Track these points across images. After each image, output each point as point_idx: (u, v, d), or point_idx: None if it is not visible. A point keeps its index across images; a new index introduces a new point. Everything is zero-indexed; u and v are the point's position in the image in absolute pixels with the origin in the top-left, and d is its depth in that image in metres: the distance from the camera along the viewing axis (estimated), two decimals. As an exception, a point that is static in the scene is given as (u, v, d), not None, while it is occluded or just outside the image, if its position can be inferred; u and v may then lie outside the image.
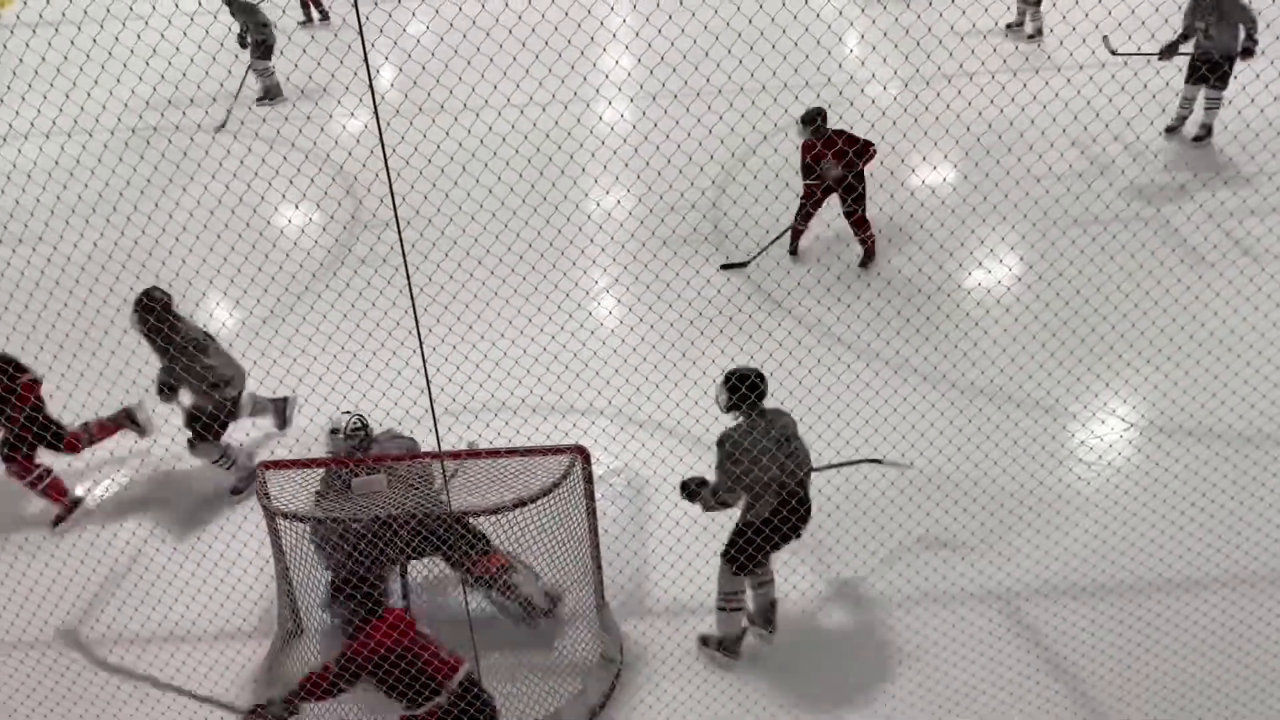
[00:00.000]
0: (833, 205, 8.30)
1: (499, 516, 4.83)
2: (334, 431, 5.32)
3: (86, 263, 8.37)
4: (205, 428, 6.37)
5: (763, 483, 4.94)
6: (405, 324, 7.61)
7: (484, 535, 5.17)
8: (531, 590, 5.36)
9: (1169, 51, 9.06)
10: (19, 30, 13.93)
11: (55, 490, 6.52)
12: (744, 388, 4.94)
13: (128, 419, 6.75)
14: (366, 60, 3.19)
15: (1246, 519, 5.80)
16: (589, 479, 5.08)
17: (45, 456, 6.57)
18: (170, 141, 10.74)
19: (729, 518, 5.31)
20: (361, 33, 3.42)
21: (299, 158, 9.95)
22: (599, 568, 5.36)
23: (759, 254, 8.53)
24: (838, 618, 5.54)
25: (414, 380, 6.78)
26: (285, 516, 4.92)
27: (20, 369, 6.46)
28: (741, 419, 5.00)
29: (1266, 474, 6.12)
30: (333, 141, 11.10)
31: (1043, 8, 11.87)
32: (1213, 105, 9.55)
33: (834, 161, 7.91)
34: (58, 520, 6.56)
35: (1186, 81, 9.54)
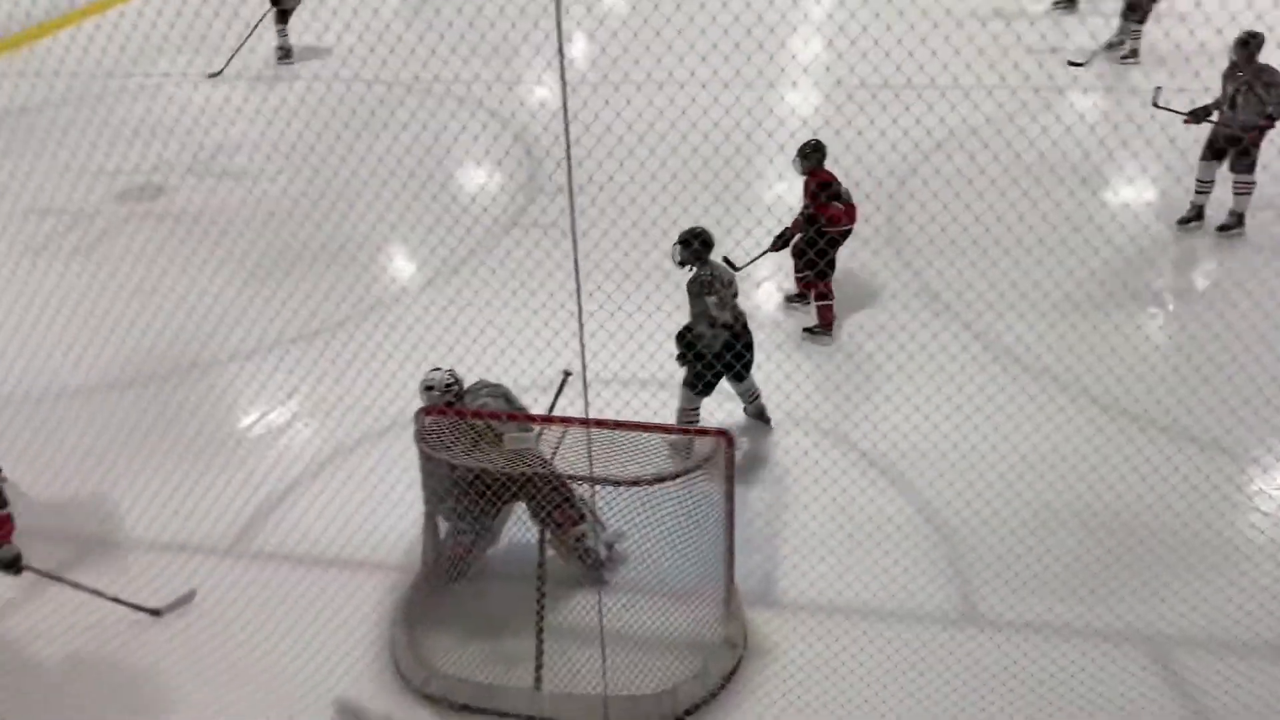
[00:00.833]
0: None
1: (634, 489, 4.87)
2: (428, 388, 5.44)
3: (280, 200, 8.90)
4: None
5: (717, 319, 6.02)
6: (568, 287, 7.78)
7: (570, 490, 5.27)
8: (594, 542, 5.53)
9: (1198, 115, 8.16)
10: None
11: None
12: (697, 242, 6.00)
13: None
14: (560, 28, 3.23)
15: None
16: (731, 464, 5.07)
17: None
18: (363, 97, 11.20)
19: (868, 519, 5.21)
20: (559, 6, 3.47)
21: (485, 117, 10.22)
22: (731, 553, 5.34)
23: (756, 259, 7.77)
24: (970, 637, 5.36)
25: (569, 344, 6.94)
26: (439, 462, 5.08)
27: None
28: (697, 268, 6.05)
29: None
30: (519, 103, 11.39)
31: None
32: (1242, 190, 8.39)
33: (849, 224, 7.44)
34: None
35: (1202, 159, 8.46)
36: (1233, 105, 8.14)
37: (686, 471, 4.88)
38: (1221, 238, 8.34)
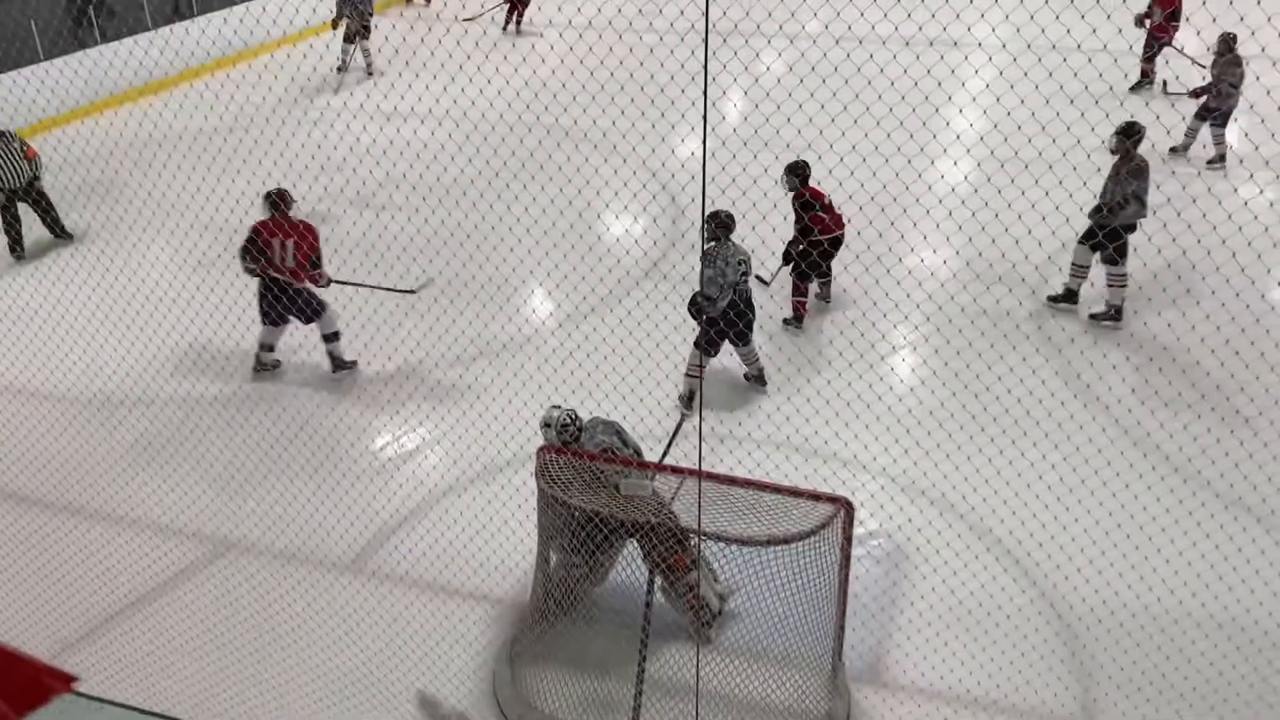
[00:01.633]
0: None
1: (745, 548, 4.78)
2: (546, 425, 5.51)
3: (433, 236, 9.21)
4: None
5: (726, 284, 7.06)
6: (690, 343, 7.76)
7: (685, 535, 5.18)
8: (707, 591, 5.43)
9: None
10: (429, 23, 15.53)
11: None
12: (714, 223, 7.08)
13: None
14: (706, 93, 3.24)
15: None
16: (848, 534, 4.92)
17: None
18: (523, 140, 11.53)
19: (989, 604, 4.95)
20: (706, 66, 3.49)
21: (632, 169, 10.37)
22: (842, 626, 5.17)
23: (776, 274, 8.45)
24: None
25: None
26: (559, 501, 5.10)
27: None
28: (713, 243, 7.09)
29: None
30: (670, 153, 11.53)
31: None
32: (1116, 283, 8.11)
33: (837, 230, 8.15)
34: None
35: (1081, 243, 8.19)
36: (1125, 202, 7.91)
37: (802, 536, 4.76)
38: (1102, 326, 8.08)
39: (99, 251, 9.73)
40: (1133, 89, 12.63)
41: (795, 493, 4.89)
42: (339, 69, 15.34)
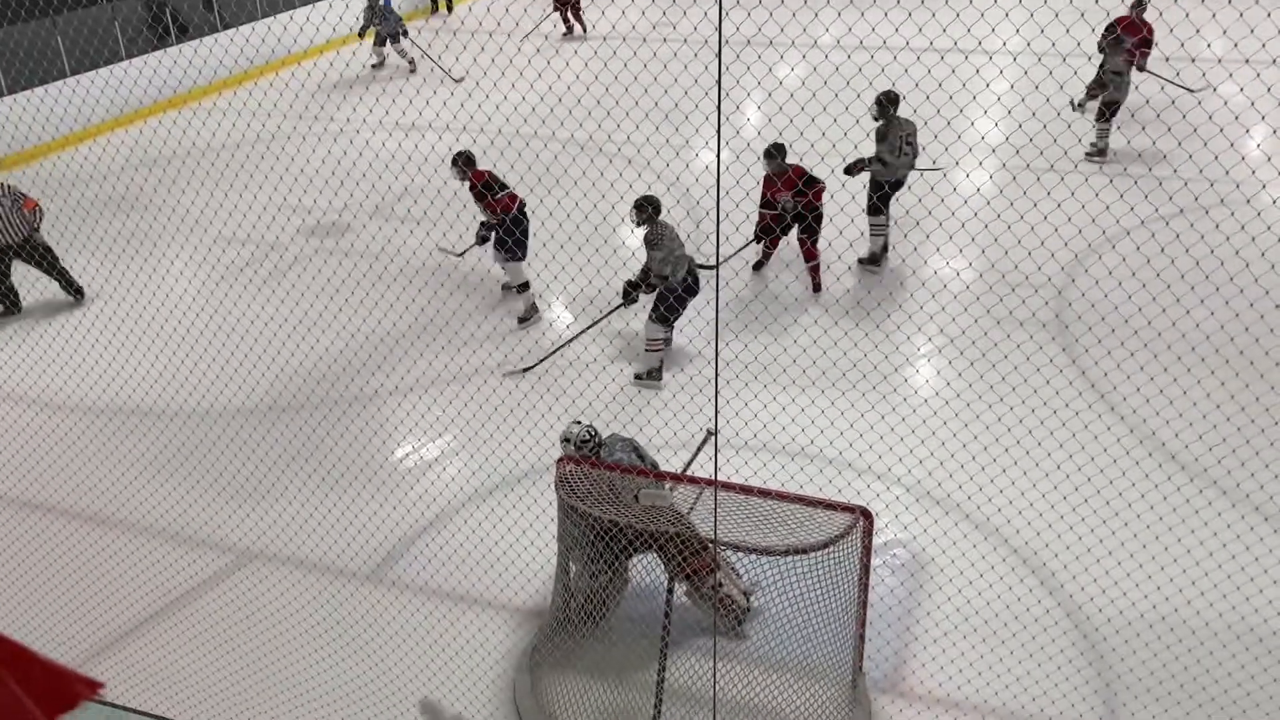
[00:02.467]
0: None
1: (764, 558, 4.82)
2: (565, 440, 5.63)
3: (455, 246, 9.28)
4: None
5: (677, 258, 7.67)
6: (706, 354, 7.86)
7: (702, 543, 5.23)
8: (732, 590, 5.51)
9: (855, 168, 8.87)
10: (448, 37, 15.68)
11: None
12: (650, 208, 7.62)
13: None
14: (719, 105, 3.30)
15: None
16: (868, 544, 4.95)
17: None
18: (539, 153, 11.62)
19: (1010, 614, 4.96)
20: (720, 77, 3.54)
21: (649, 179, 10.44)
22: (862, 636, 5.20)
23: (731, 256, 9.12)
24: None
25: (704, 409, 6.96)
26: (577, 511, 5.15)
27: None
28: (650, 226, 7.63)
29: None
30: (684, 165, 11.61)
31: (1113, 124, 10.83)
32: (878, 231, 9.21)
33: (787, 194, 8.63)
34: None
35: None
36: (901, 153, 8.76)
37: (821, 546, 4.80)
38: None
39: (124, 265, 9.86)
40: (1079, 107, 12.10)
41: (813, 502, 4.92)
42: (375, 65, 16.10)
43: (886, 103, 8.65)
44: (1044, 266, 8.16)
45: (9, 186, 9.02)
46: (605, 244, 9.88)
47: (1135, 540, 5.97)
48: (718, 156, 3.52)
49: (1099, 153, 11.13)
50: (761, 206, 8.95)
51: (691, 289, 7.89)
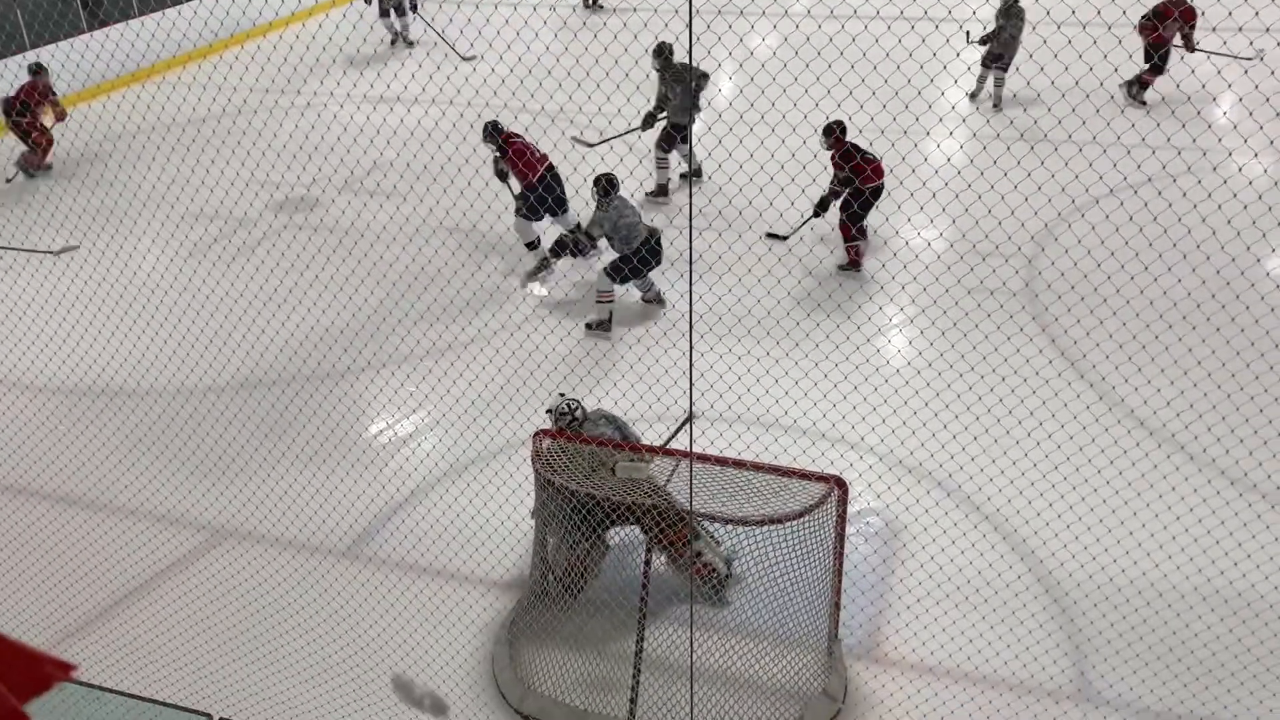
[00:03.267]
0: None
1: (741, 528, 4.85)
2: (549, 412, 5.74)
3: (422, 223, 9.21)
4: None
5: (635, 230, 8.10)
6: (680, 326, 7.87)
7: (679, 515, 5.27)
8: (713, 557, 5.59)
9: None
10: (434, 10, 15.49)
11: None
12: (606, 184, 8.18)
13: None
14: (691, 69, 3.28)
15: None
16: (843, 513, 5.00)
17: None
18: (512, 123, 11.51)
19: (982, 580, 5.02)
20: (690, 50, 3.54)
21: (623, 150, 10.39)
22: (837, 604, 5.25)
23: (800, 226, 8.93)
24: (1083, 714, 5.12)
25: (679, 381, 6.97)
26: (553, 485, 5.16)
27: None
28: (611, 201, 8.17)
29: None
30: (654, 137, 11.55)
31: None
32: (661, 164, 10.26)
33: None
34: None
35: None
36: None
37: (797, 516, 4.84)
38: None
39: (90, 242, 9.73)
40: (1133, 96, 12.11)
41: (788, 472, 4.96)
42: (393, 41, 15.76)
43: (656, 55, 9.70)
44: (1014, 236, 8.20)
45: None
46: (582, 214, 9.83)
47: (1105, 505, 6.06)
48: (689, 129, 3.51)
49: (998, 101, 11.84)
50: (848, 186, 8.71)
51: (646, 260, 8.11)
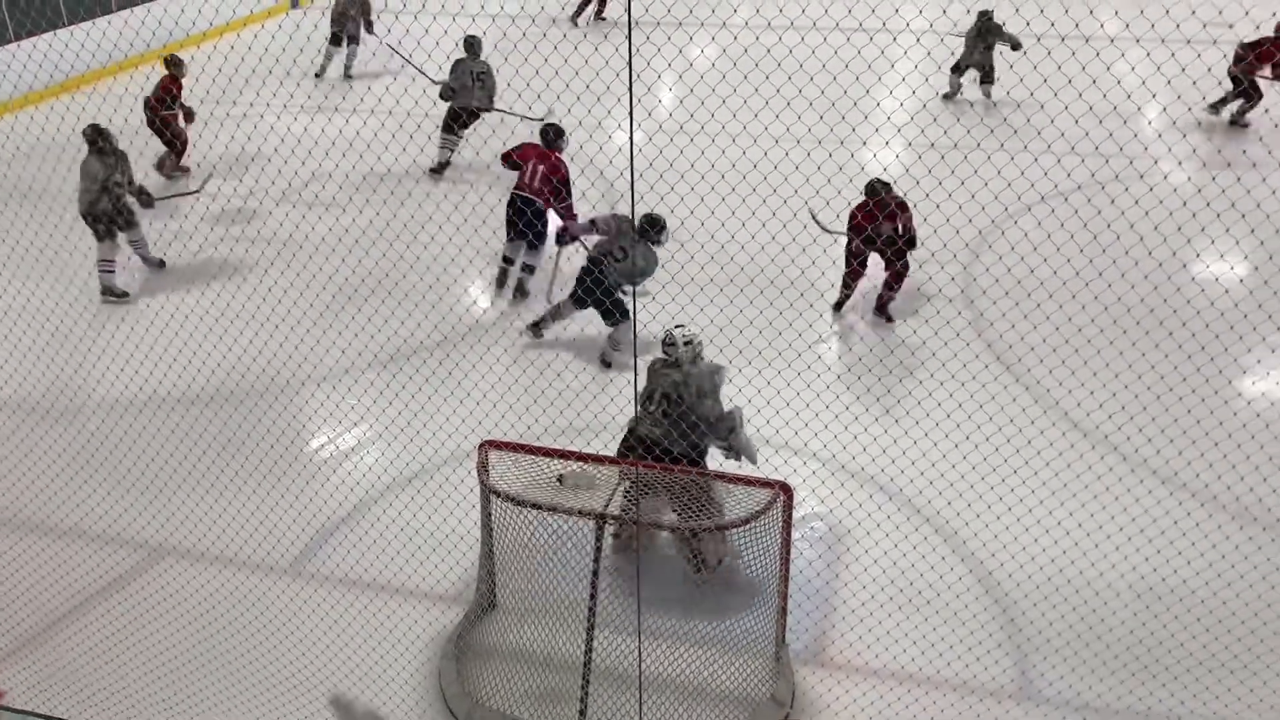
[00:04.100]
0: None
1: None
2: (670, 344, 5.77)
3: (365, 231, 9.12)
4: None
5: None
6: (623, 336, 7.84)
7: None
8: (707, 547, 5.68)
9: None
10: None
11: None
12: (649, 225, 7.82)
13: None
14: (631, 85, 3.31)
15: None
16: (788, 518, 5.04)
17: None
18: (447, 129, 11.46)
19: (925, 583, 5.10)
20: (630, 59, 3.56)
21: (582, 164, 10.39)
22: (784, 609, 5.30)
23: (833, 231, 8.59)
24: (1025, 712, 5.22)
25: (624, 390, 6.99)
26: (501, 496, 5.12)
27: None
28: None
29: None
30: (598, 148, 11.60)
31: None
32: (445, 144, 11.27)
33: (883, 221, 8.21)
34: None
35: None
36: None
37: (744, 522, 4.88)
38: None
39: (17, 257, 9.49)
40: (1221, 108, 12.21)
41: (734, 479, 5.00)
42: (318, 74, 14.83)
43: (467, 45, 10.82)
44: (949, 243, 8.36)
45: None
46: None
47: (1042, 506, 6.19)
48: (630, 139, 3.54)
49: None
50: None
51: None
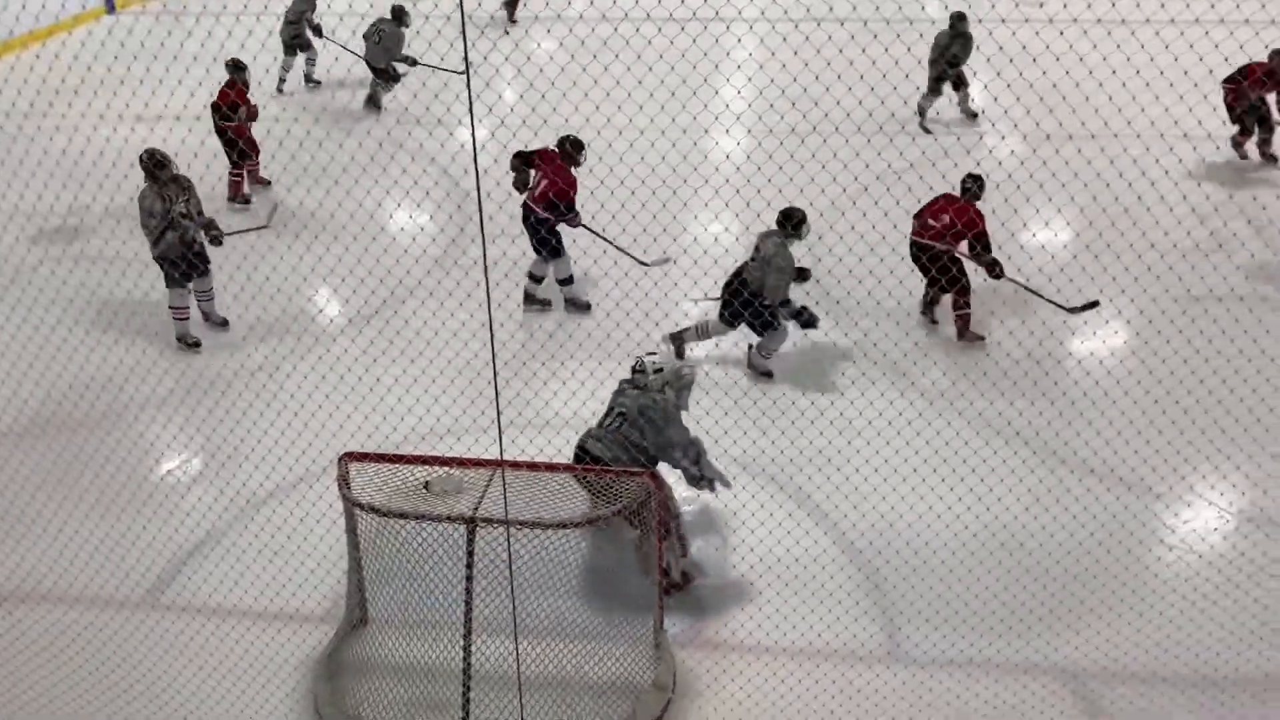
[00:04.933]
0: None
1: (563, 531, 4.86)
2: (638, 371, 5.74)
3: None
4: None
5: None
6: (481, 336, 7.81)
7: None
8: (672, 561, 5.67)
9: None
10: (146, 21, 14.65)
11: None
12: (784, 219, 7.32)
13: None
14: (469, 81, 3.26)
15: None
16: (659, 506, 5.09)
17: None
18: (290, 130, 11.11)
19: (793, 559, 5.23)
20: (466, 55, 3.51)
21: (405, 160, 10.20)
22: (661, 594, 5.35)
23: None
24: (894, 674, 5.43)
25: (484, 391, 6.93)
26: (365, 508, 5.00)
27: None
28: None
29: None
30: (439, 145, 11.44)
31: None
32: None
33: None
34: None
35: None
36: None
37: (618, 514, 4.89)
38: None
39: None
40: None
41: (604, 472, 5.01)
42: (279, 86, 13.51)
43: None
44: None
45: None
46: (371, 223, 9.58)
47: (896, 474, 6.42)
48: (473, 135, 3.49)
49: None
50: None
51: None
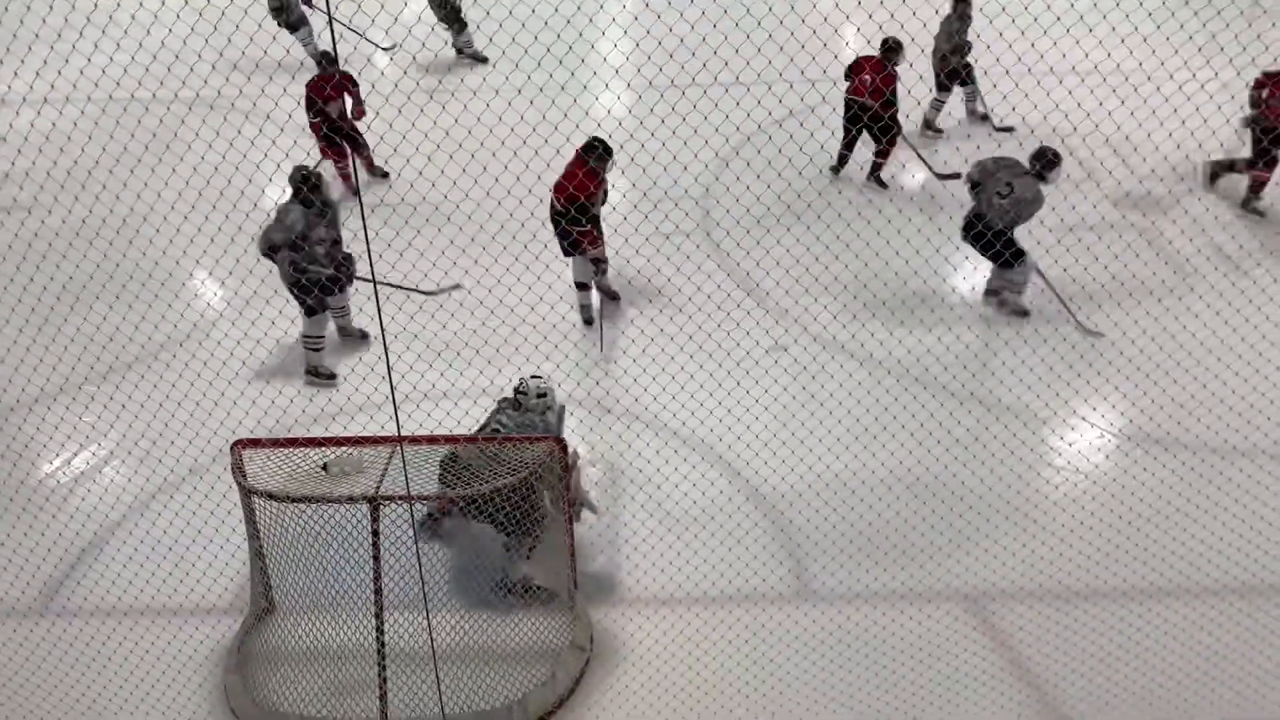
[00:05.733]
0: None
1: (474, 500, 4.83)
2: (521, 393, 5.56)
3: (79, 231, 8.30)
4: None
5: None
6: (368, 310, 7.67)
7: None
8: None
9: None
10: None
11: None
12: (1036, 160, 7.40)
13: None
14: (334, 43, 3.15)
15: (1211, 528, 5.87)
16: (565, 468, 5.08)
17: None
18: (162, 117, 10.61)
19: (698, 508, 5.29)
20: (331, 21, 3.40)
21: (295, 134, 9.84)
22: (573, 556, 5.36)
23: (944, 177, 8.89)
24: (805, 613, 5.56)
25: (375, 367, 6.80)
26: (262, 495, 4.87)
27: None
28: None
29: (1233, 485, 6.18)
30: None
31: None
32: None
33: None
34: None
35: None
36: None
37: (522, 481, 4.86)
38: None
39: None
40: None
41: (505, 440, 4.97)
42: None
43: None
44: (680, 180, 8.56)
45: None
46: (254, 208, 9.26)
47: (794, 418, 6.54)
48: (342, 104, 3.38)
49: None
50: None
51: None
